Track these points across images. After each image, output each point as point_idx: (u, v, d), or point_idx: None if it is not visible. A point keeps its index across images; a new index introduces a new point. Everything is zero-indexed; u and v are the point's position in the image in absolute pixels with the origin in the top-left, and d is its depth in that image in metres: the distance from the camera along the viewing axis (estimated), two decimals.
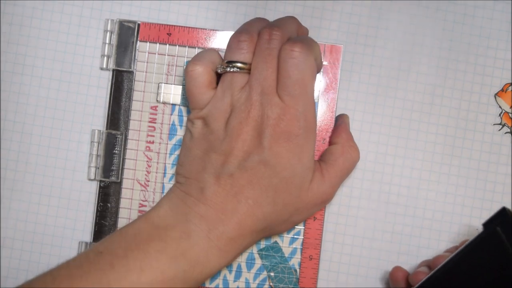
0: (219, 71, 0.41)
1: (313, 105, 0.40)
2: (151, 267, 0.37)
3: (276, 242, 0.46)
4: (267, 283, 0.45)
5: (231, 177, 0.39)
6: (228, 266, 0.45)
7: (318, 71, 0.44)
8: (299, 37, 0.40)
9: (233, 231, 0.38)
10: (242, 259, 0.46)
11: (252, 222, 0.39)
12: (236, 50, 0.40)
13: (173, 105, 0.46)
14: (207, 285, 0.45)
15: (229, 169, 0.39)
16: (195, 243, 0.38)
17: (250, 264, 0.46)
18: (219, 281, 0.45)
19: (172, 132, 0.46)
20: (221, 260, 0.39)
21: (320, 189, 0.41)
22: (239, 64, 0.40)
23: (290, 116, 0.39)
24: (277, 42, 0.39)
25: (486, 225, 0.39)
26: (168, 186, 0.45)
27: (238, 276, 0.45)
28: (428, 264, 0.43)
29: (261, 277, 0.45)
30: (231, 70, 0.40)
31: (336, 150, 0.42)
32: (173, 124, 0.46)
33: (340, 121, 0.45)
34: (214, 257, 0.38)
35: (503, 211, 0.38)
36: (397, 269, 0.44)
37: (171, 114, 0.46)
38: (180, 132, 0.46)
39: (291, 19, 0.42)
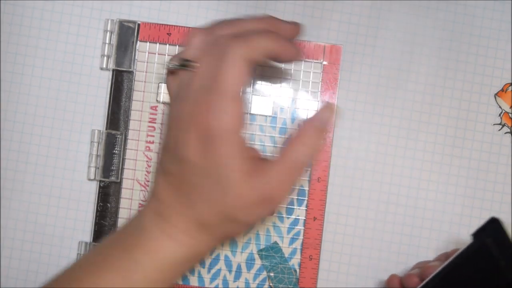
0: (166, 68, 0.39)
1: (231, 106, 0.36)
2: (130, 275, 0.37)
3: (276, 243, 0.46)
4: (267, 283, 0.45)
5: (169, 173, 0.38)
6: (228, 266, 0.45)
7: (277, 59, 0.39)
8: (247, 33, 0.37)
9: (183, 224, 0.38)
10: (242, 259, 0.45)
11: (199, 215, 0.38)
12: (185, 48, 0.39)
13: None
14: (207, 285, 0.45)
15: (166, 165, 0.38)
16: (155, 237, 0.38)
17: (250, 264, 0.45)
18: (219, 281, 0.45)
19: None
20: (193, 248, 0.38)
21: (255, 187, 0.37)
22: (183, 62, 0.38)
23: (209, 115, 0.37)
24: (224, 40, 0.37)
25: (476, 235, 0.38)
26: None
27: (238, 276, 0.45)
28: (420, 267, 0.43)
29: (261, 277, 0.45)
30: (172, 66, 0.38)
31: (285, 145, 0.38)
32: None
33: (316, 113, 0.39)
34: (175, 244, 0.38)
35: (493, 222, 0.37)
36: (393, 276, 0.43)
37: None
38: None
39: (257, 19, 0.39)
